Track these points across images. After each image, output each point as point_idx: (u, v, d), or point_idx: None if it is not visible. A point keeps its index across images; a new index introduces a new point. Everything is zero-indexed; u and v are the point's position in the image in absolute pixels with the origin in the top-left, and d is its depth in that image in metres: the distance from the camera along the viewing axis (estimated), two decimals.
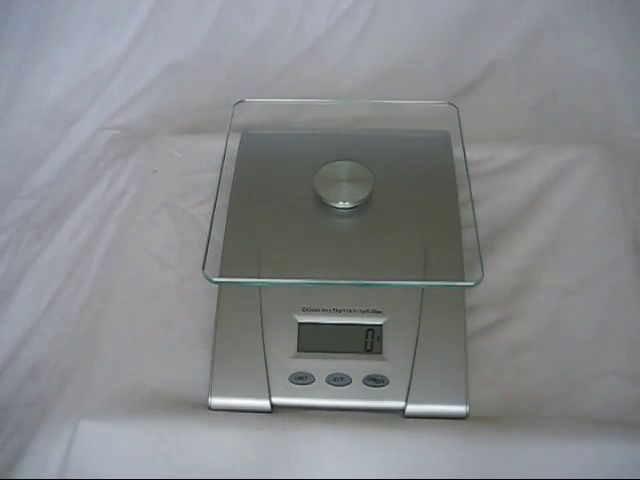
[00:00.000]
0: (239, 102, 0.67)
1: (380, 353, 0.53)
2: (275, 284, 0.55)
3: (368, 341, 0.53)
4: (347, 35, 0.81)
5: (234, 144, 0.65)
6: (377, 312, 0.54)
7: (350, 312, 0.54)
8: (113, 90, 0.79)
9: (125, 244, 0.64)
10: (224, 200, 0.61)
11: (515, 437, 0.50)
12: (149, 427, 0.51)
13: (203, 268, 0.53)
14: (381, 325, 0.54)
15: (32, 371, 0.57)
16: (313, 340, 0.53)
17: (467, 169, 0.61)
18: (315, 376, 0.52)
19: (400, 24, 0.81)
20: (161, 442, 0.51)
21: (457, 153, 0.64)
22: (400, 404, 0.51)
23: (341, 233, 0.59)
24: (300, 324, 0.54)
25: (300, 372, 0.52)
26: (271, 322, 0.54)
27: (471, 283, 0.53)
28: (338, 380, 0.52)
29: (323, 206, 0.59)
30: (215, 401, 0.52)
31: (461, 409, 0.51)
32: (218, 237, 0.57)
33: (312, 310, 0.54)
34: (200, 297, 0.58)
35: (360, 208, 0.59)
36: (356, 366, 0.52)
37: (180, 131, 0.72)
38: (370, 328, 0.53)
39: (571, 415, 0.52)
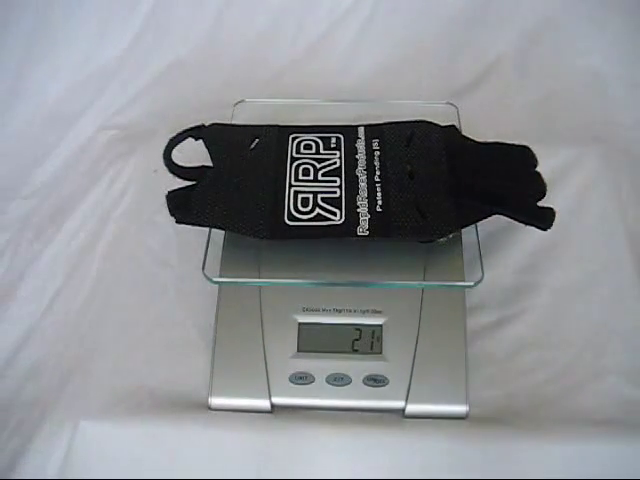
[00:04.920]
0: (239, 102, 0.67)
1: (380, 353, 0.53)
2: (275, 284, 0.55)
3: (368, 341, 0.53)
4: (347, 34, 0.81)
5: None
6: (377, 312, 0.54)
7: (350, 312, 0.54)
8: (113, 90, 0.79)
9: (125, 244, 0.64)
10: None
11: (515, 437, 0.50)
12: (149, 427, 0.51)
13: (203, 268, 0.53)
14: (381, 325, 0.54)
15: (32, 371, 0.57)
16: (313, 340, 0.53)
17: None
18: (315, 376, 0.52)
19: (400, 24, 0.81)
20: (161, 442, 0.51)
21: None
22: (400, 404, 0.51)
23: None
24: (300, 324, 0.54)
25: (300, 372, 0.52)
26: (271, 322, 0.54)
27: (471, 283, 0.53)
28: (338, 380, 0.52)
29: None
30: (215, 401, 0.52)
31: (461, 409, 0.51)
32: (218, 237, 0.57)
33: (312, 310, 0.54)
34: (200, 297, 0.58)
35: None
36: (356, 366, 0.52)
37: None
38: (370, 328, 0.53)
39: (571, 415, 0.52)
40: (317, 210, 0.55)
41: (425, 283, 0.54)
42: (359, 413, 0.52)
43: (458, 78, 0.79)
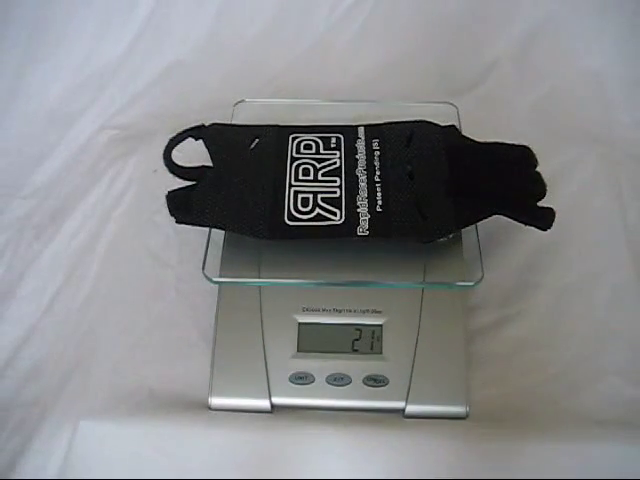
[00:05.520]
0: (239, 102, 0.67)
1: (380, 353, 0.53)
2: (275, 284, 0.55)
3: (368, 341, 0.53)
4: (347, 35, 0.81)
5: None
6: (377, 312, 0.54)
7: (350, 312, 0.54)
8: (113, 90, 0.79)
9: (125, 244, 0.64)
10: None
11: (515, 437, 0.50)
12: (149, 427, 0.51)
13: (203, 268, 0.53)
14: (381, 325, 0.54)
15: (32, 371, 0.57)
16: (313, 340, 0.53)
17: None
18: (315, 376, 0.52)
19: (400, 23, 0.81)
20: (161, 442, 0.51)
21: None
22: (400, 404, 0.51)
23: None
24: (300, 324, 0.54)
25: (300, 372, 0.52)
26: (271, 322, 0.54)
27: (471, 283, 0.53)
28: (338, 380, 0.52)
29: None
30: (215, 401, 0.52)
31: (461, 409, 0.51)
32: (218, 237, 0.57)
33: (312, 310, 0.54)
34: (200, 297, 0.58)
35: None
36: (356, 366, 0.52)
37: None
38: (370, 328, 0.53)
39: (571, 415, 0.52)
40: (317, 210, 0.55)
41: (425, 283, 0.54)
42: (359, 413, 0.52)
43: (458, 78, 0.79)
